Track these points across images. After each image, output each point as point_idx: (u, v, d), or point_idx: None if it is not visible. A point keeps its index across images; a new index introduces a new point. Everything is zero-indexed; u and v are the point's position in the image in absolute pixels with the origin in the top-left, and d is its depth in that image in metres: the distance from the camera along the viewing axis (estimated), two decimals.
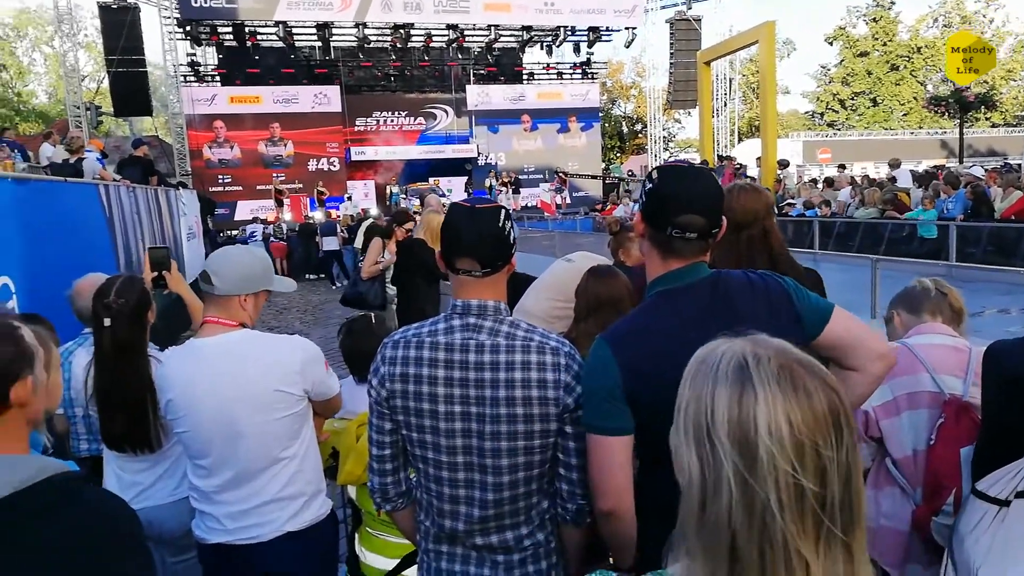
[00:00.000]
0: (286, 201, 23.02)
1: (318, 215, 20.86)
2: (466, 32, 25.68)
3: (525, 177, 26.92)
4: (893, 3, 42.54)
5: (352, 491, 2.72)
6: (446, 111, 27.70)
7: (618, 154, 43.19)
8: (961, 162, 16.25)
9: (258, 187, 24.59)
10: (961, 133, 16.70)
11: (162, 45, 24.01)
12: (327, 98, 25.57)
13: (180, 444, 2.38)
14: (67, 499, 1.21)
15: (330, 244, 17.19)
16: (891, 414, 2.14)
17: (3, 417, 1.23)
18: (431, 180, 25.80)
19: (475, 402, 1.61)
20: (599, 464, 1.55)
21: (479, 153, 27.23)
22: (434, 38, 25.93)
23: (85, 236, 6.62)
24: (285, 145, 25.40)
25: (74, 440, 2.90)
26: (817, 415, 0.79)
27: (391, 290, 5.68)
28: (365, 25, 24.13)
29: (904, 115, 42.26)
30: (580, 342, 2.59)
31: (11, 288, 4.38)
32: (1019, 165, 16.17)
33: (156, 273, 2.74)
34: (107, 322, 2.32)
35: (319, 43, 25.35)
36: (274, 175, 24.61)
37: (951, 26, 42.34)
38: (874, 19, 42.38)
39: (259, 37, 24.59)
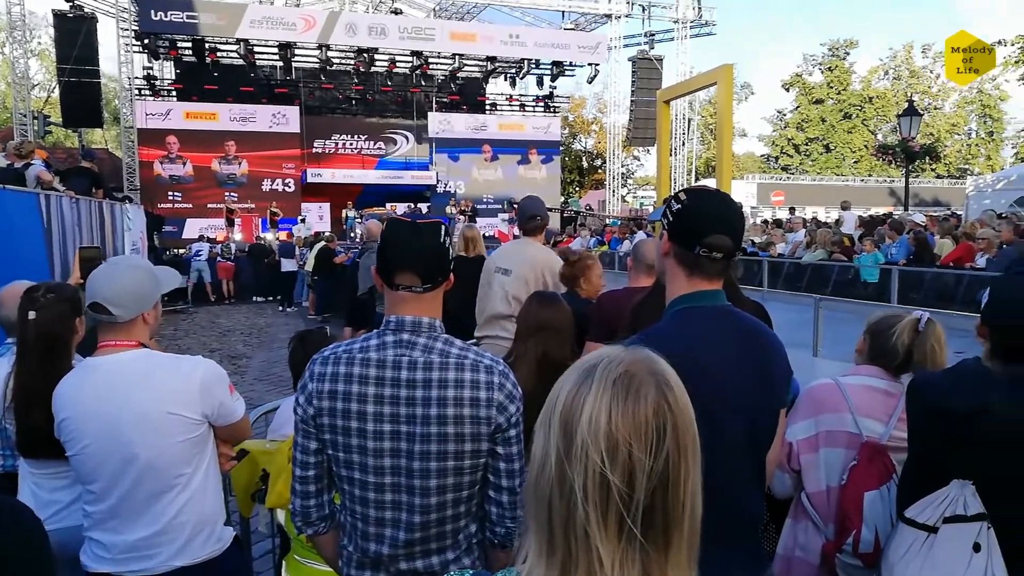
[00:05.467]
0: (237, 221, 22.58)
1: (269, 236, 20.55)
2: (430, 60, 25.79)
3: (484, 207, 26.94)
4: (848, 54, 44.31)
5: (281, 516, 2.62)
6: (407, 137, 27.66)
7: (577, 188, 43.76)
8: (906, 209, 16.82)
9: (209, 205, 24.05)
10: (907, 181, 17.26)
11: (118, 57, 23.49)
12: (286, 118, 25.22)
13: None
14: None
15: (288, 266, 17.05)
16: (811, 449, 2.17)
17: None
18: (388, 206, 25.65)
19: (405, 420, 1.56)
20: None
21: (438, 180, 27.17)
22: (398, 64, 25.95)
23: (20, 245, 6.39)
24: (240, 164, 24.93)
25: None
26: (638, 419, 0.85)
27: None
28: (328, 47, 23.98)
29: (855, 162, 43.82)
30: (519, 362, 2.60)
31: None
32: (961, 215, 16.82)
33: (85, 276, 2.64)
34: (31, 315, 2.27)
35: (280, 63, 25.03)
36: (226, 194, 24.06)
37: (900, 79, 44.31)
38: (829, 68, 44.04)
39: (219, 54, 24.22)
